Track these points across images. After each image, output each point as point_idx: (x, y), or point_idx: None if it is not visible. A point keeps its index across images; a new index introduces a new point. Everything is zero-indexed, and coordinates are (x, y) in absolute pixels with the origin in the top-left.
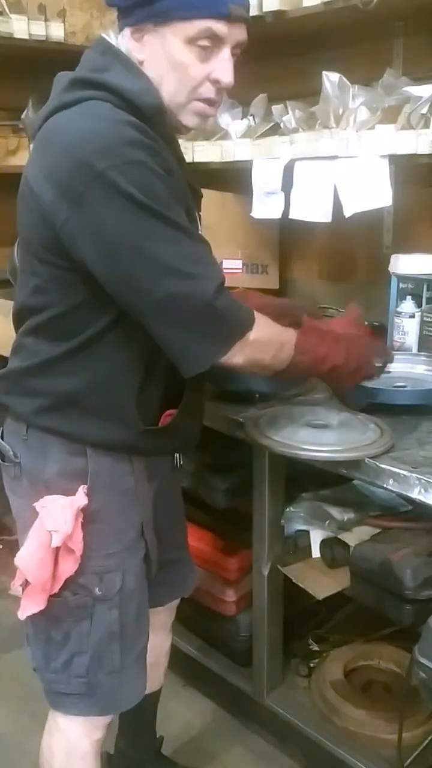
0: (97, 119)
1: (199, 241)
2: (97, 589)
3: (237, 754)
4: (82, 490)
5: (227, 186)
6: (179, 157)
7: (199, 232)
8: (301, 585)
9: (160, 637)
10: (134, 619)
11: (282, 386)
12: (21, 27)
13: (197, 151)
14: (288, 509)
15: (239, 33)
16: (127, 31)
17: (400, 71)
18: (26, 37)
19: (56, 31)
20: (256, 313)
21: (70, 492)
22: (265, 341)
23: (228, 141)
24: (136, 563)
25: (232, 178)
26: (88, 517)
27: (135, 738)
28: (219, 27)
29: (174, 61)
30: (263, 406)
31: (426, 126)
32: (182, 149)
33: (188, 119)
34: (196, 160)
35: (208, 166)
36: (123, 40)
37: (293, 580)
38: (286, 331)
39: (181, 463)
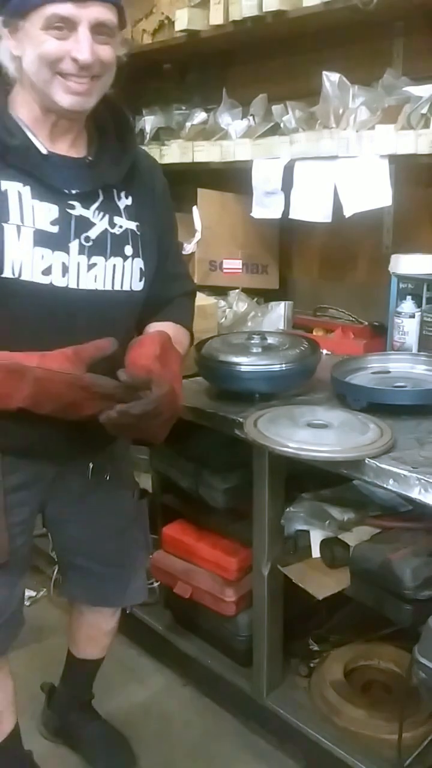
0: None
1: None
2: None
3: (237, 754)
4: None
5: (227, 186)
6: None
7: (77, 211)
8: (301, 585)
9: (94, 617)
10: None
11: (282, 386)
12: None
13: (197, 151)
14: (288, 509)
15: (95, 13)
16: (5, 31)
17: (400, 71)
18: None
19: None
20: None
21: None
22: None
23: (228, 141)
24: None
25: (232, 178)
26: None
27: (68, 686)
28: (65, 9)
29: (35, 46)
30: (263, 406)
31: (426, 126)
32: (182, 149)
33: (60, 97)
34: (196, 160)
35: (208, 166)
36: (4, 42)
37: (293, 580)
38: None
39: (107, 477)
